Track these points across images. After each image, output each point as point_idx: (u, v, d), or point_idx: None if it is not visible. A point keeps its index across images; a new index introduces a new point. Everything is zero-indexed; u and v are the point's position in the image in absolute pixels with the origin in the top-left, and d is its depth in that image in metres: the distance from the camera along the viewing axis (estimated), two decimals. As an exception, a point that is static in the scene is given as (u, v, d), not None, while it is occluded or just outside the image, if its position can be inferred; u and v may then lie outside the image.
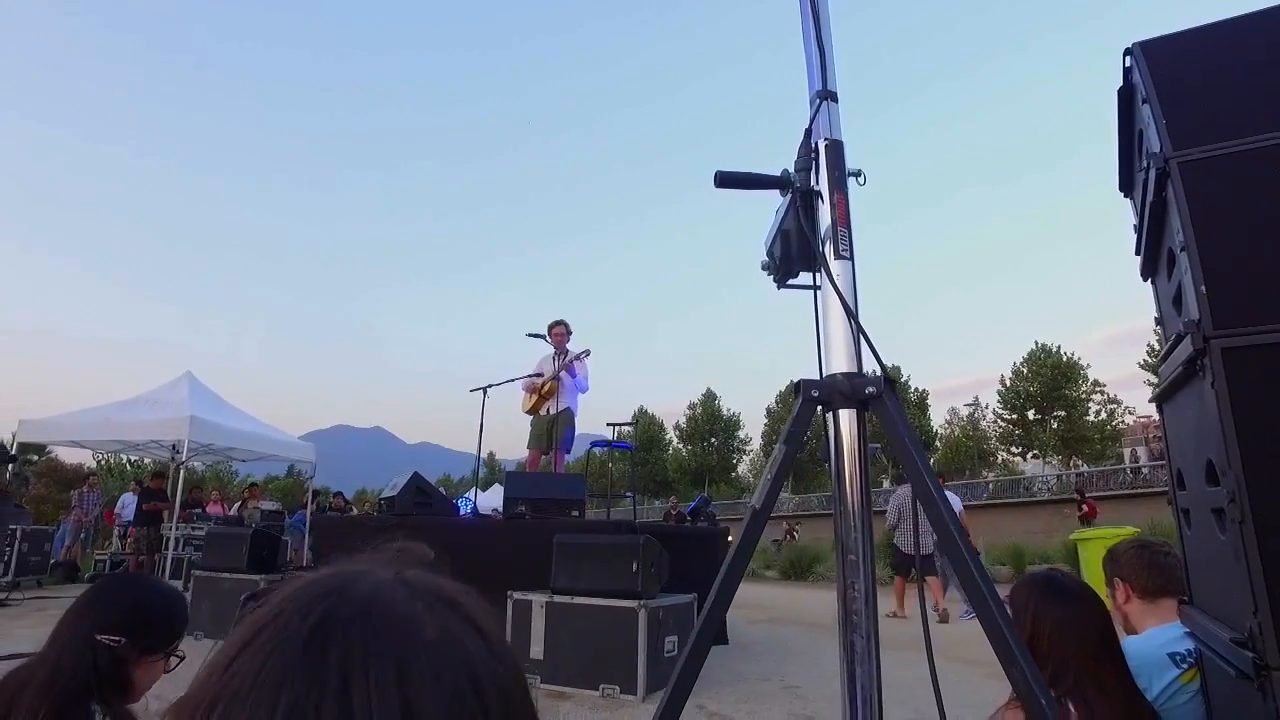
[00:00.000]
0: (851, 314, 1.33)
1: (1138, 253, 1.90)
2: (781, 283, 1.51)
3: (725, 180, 1.41)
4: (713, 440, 58.59)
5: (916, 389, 50.53)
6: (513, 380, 7.64)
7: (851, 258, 1.38)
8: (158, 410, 11.89)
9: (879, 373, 1.31)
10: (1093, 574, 10.28)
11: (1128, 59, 1.74)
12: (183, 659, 1.49)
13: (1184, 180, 1.49)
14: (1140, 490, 27.10)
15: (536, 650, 4.70)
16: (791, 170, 1.44)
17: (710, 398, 59.79)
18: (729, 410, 59.72)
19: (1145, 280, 1.97)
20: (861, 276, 1.41)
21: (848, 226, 1.39)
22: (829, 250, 1.38)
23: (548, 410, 7.55)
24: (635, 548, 4.61)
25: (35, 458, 26.43)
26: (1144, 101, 1.64)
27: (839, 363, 1.33)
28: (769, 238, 1.51)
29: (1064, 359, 44.40)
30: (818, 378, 1.34)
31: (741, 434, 59.95)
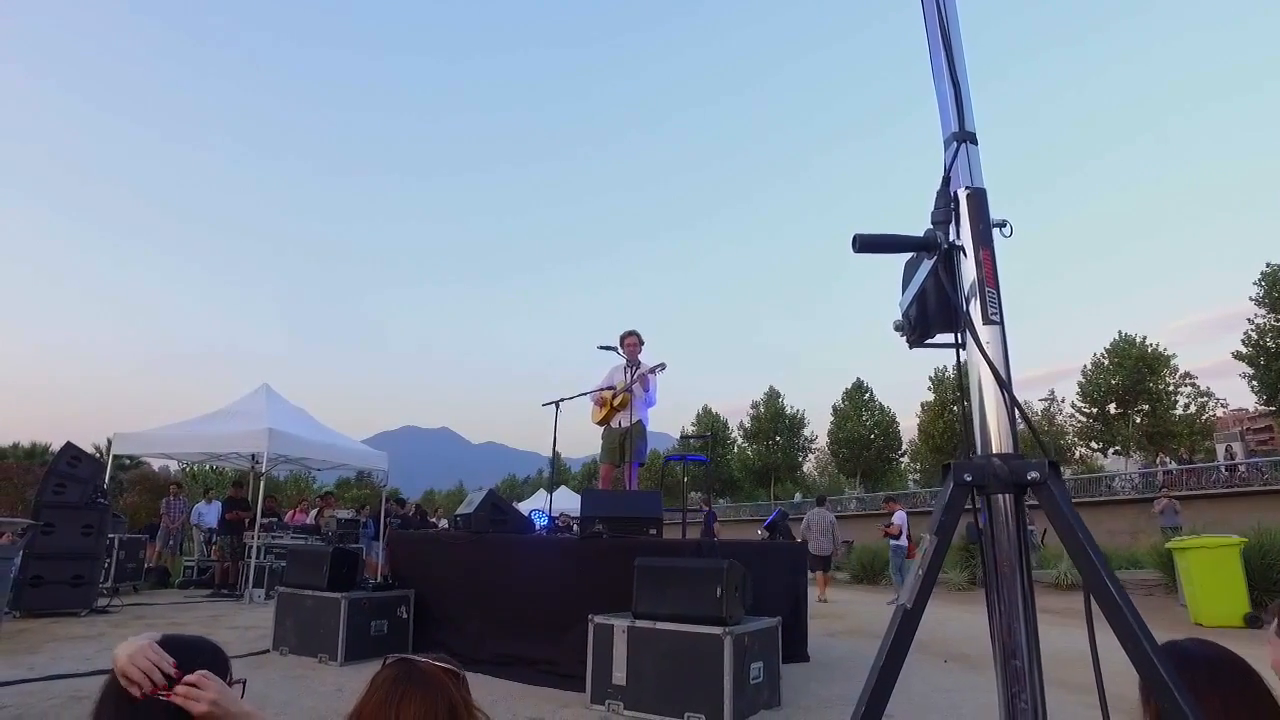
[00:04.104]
0: (1005, 386, 1.20)
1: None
2: (917, 343, 1.39)
3: (866, 245, 1.29)
4: (777, 439, 57.89)
5: (990, 384, 48.96)
6: (584, 394, 7.60)
7: (1001, 322, 1.25)
8: (238, 423, 12.30)
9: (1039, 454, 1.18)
10: (1192, 584, 9.72)
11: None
12: (244, 683, 1.50)
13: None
14: (1238, 489, 25.40)
15: (619, 676, 4.62)
16: (930, 223, 1.31)
17: (773, 396, 59.09)
18: (793, 408, 58.94)
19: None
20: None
21: (996, 287, 1.25)
22: (975, 313, 1.24)
23: (619, 423, 7.46)
24: (719, 572, 4.50)
25: (128, 461, 27.64)
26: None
27: (993, 442, 1.20)
28: (906, 298, 1.38)
29: (1148, 350, 42.41)
30: (968, 458, 1.21)
31: (807, 432, 59.15)
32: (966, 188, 1.31)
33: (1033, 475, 1.14)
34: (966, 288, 1.27)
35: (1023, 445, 1.23)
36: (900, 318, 1.40)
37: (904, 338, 1.40)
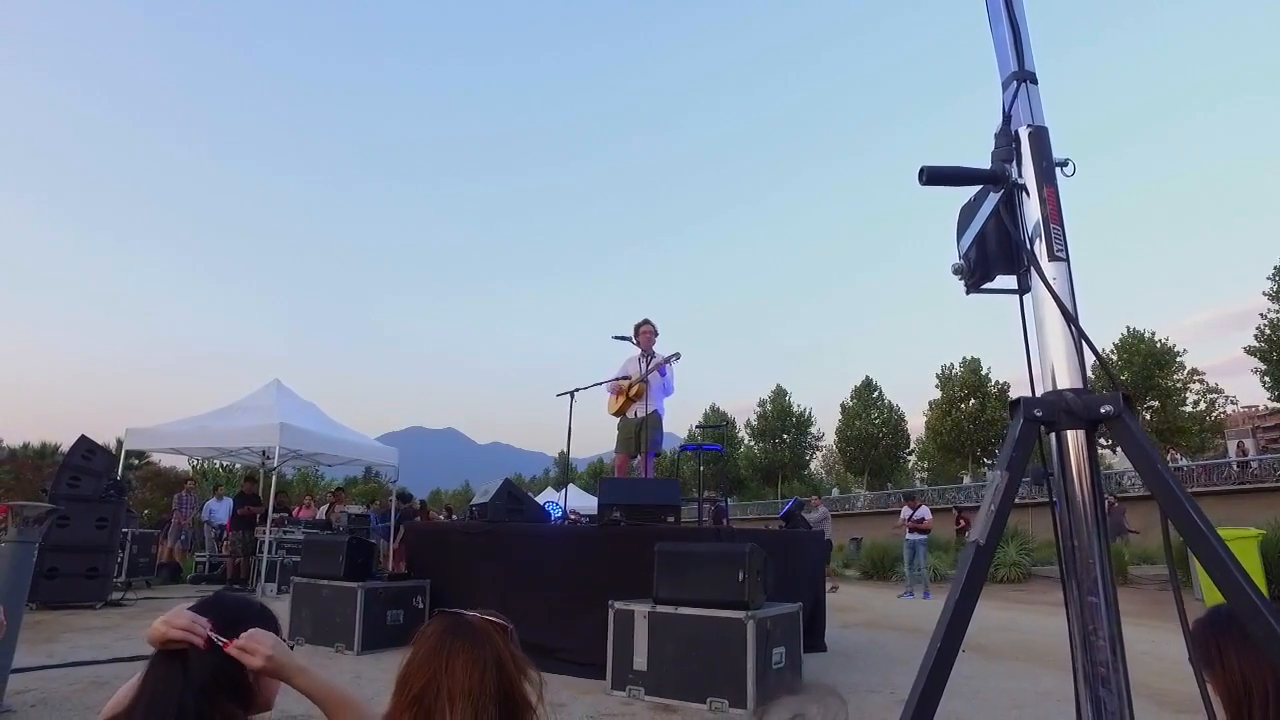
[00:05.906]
0: (1072, 319, 1.18)
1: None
2: (974, 287, 1.36)
3: (934, 177, 1.27)
4: (784, 437, 57.75)
5: (998, 382, 48.65)
6: (599, 384, 7.57)
7: (1068, 259, 1.22)
8: (249, 418, 12.28)
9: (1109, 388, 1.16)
10: (1208, 580, 9.62)
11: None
12: (292, 645, 1.48)
13: None
14: (1251, 486, 25.15)
15: (640, 662, 4.60)
16: (991, 162, 1.29)
17: (780, 394, 58.95)
18: (800, 406, 58.80)
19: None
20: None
21: (1060, 223, 1.23)
22: (1041, 250, 1.22)
23: (635, 413, 7.43)
24: (741, 556, 4.47)
25: (136, 462, 27.72)
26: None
27: (1062, 378, 1.18)
28: (965, 242, 1.36)
29: (1158, 345, 42.17)
30: (1037, 395, 1.19)
31: (814, 430, 59.00)
32: (1028, 126, 1.29)
33: (1106, 409, 1.12)
34: (1030, 227, 1.25)
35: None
36: (959, 261, 1.38)
37: (962, 282, 1.38)
